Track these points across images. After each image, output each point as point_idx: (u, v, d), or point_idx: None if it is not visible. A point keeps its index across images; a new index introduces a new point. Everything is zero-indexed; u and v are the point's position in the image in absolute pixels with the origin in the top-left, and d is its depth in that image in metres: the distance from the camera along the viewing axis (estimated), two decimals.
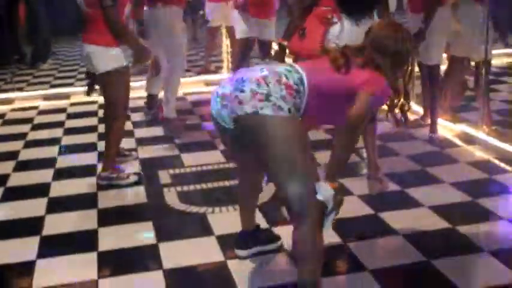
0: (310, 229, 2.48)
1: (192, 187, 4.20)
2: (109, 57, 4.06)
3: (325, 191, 2.50)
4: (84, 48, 4.16)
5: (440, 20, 4.68)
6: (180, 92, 6.86)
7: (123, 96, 4.23)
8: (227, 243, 3.29)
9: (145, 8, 5.45)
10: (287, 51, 3.63)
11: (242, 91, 2.49)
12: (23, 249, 3.40)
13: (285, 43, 3.57)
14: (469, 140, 4.85)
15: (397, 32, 2.79)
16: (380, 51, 2.72)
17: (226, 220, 3.61)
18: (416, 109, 5.32)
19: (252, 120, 2.48)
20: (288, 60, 3.68)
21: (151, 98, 5.97)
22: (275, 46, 3.66)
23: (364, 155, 3.85)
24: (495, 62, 6.48)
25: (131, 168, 4.57)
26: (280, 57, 3.62)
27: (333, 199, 2.51)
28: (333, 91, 2.65)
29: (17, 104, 6.90)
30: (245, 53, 6.19)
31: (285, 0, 6.83)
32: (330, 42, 3.37)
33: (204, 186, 4.21)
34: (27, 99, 7.07)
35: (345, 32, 3.38)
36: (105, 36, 4.02)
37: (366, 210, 3.69)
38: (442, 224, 3.46)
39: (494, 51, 5.70)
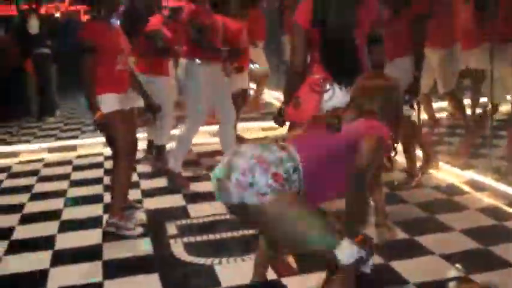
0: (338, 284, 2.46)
1: (198, 238, 4.13)
2: (103, 102, 4.14)
3: (346, 252, 2.46)
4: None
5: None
6: None
7: (122, 137, 4.23)
8: None
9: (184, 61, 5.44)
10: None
11: (228, 179, 2.48)
12: None
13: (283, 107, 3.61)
14: (477, 186, 4.79)
15: (380, 76, 2.97)
16: (368, 96, 2.79)
17: (234, 271, 3.54)
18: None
19: (240, 209, 2.51)
20: None
21: (159, 149, 5.95)
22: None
23: (372, 202, 3.80)
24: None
25: (138, 219, 4.51)
26: (279, 123, 3.66)
27: (362, 251, 2.47)
28: (335, 156, 2.63)
29: (23, 157, 6.89)
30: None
31: None
32: (324, 110, 3.38)
33: (210, 237, 4.14)
34: (33, 151, 7.06)
35: (336, 98, 3.41)
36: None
37: (376, 259, 3.60)
38: (454, 272, 3.38)
39: None
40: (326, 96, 3.46)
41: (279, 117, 3.63)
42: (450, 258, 3.54)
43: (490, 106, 5.50)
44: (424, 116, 6.20)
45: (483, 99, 6.25)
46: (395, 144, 2.84)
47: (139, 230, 4.27)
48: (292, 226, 2.44)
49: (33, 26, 9.27)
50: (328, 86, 3.46)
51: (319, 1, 3.49)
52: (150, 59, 5.72)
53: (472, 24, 5.76)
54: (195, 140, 6.97)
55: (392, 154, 2.85)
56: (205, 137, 7.24)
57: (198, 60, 5.20)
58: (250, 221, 2.64)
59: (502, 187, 4.59)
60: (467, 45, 5.72)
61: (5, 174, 6.19)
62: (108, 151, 6.49)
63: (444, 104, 7.12)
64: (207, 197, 4.97)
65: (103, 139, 7.03)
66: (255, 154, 2.53)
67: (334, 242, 2.45)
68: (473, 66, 5.90)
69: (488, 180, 4.77)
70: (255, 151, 2.55)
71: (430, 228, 4.05)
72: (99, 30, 4.18)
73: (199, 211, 4.67)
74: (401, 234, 3.92)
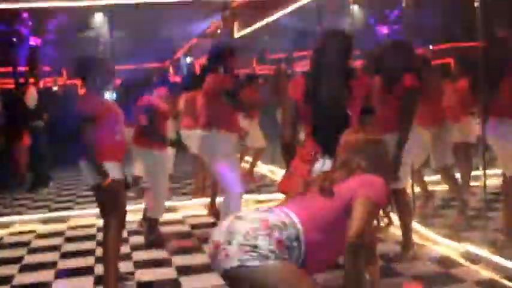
0: None
1: None
2: (88, 172, 4.18)
3: None
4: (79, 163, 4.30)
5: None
6: (180, 215, 6.89)
7: (119, 206, 4.25)
8: None
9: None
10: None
11: (230, 243, 2.42)
12: None
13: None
14: (473, 259, 4.73)
15: (362, 131, 3.00)
16: (352, 151, 2.80)
17: None
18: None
19: (239, 274, 2.41)
20: None
21: (152, 222, 5.89)
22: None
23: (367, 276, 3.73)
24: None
25: None
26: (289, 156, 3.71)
27: None
28: (333, 220, 2.59)
29: (14, 228, 6.79)
30: None
31: None
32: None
33: None
34: (25, 222, 6.97)
35: (327, 167, 3.40)
36: (83, 154, 4.21)
37: None
38: None
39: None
40: (316, 166, 3.48)
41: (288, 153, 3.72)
42: None
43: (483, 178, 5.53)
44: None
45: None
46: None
47: None
48: None
49: (31, 99, 9.36)
50: (318, 157, 3.50)
51: (311, 78, 3.57)
52: (146, 132, 5.72)
53: (455, 99, 5.93)
54: (187, 212, 7.01)
55: (388, 209, 2.83)
56: (199, 210, 7.22)
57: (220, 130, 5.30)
58: None
59: (498, 259, 4.53)
60: (452, 119, 5.90)
61: None
62: (100, 223, 6.49)
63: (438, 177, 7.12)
64: (199, 269, 4.91)
65: (96, 210, 7.05)
66: (259, 217, 2.49)
67: None
68: (458, 139, 6.02)
69: (484, 252, 4.71)
70: (258, 215, 2.53)
71: None
72: (96, 102, 4.27)
73: (192, 283, 4.58)
74: None
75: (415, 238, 5.07)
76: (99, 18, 11.87)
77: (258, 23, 9.91)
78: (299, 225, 2.50)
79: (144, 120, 5.62)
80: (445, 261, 4.78)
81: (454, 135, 5.97)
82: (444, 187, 6.57)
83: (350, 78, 3.58)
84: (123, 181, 4.38)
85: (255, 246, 2.37)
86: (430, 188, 6.50)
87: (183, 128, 7.65)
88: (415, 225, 5.50)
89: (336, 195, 2.61)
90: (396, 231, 5.00)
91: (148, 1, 8.32)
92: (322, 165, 3.45)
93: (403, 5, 6.38)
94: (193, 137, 7.14)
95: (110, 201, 4.23)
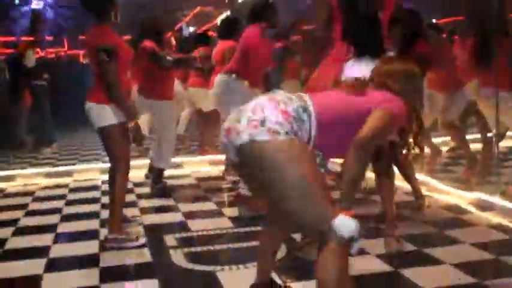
0: (331, 256, 2.28)
1: (199, 249, 3.99)
2: (103, 113, 4.03)
3: (346, 225, 2.31)
4: (85, 104, 4.14)
5: None
6: (187, 171, 6.85)
7: (122, 150, 4.13)
8: None
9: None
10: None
11: (239, 121, 2.40)
12: None
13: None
14: (484, 206, 4.69)
15: (404, 61, 2.95)
16: (390, 77, 2.75)
17: (237, 277, 3.39)
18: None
19: (250, 149, 2.35)
20: None
21: (159, 172, 5.84)
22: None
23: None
24: None
25: (134, 232, 4.35)
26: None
27: (358, 228, 2.33)
28: (346, 113, 2.54)
29: (18, 181, 6.74)
30: None
31: None
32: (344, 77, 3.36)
33: (211, 248, 4.01)
34: (29, 176, 6.91)
35: (357, 69, 3.35)
36: (97, 93, 4.05)
37: (385, 268, 3.48)
38: (468, 279, 3.25)
39: None
40: (347, 66, 3.41)
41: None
42: (461, 267, 3.41)
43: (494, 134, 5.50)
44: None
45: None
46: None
47: (141, 241, 4.12)
48: (296, 174, 2.27)
49: (30, 59, 9.30)
50: (349, 57, 3.42)
51: None
52: (152, 80, 5.63)
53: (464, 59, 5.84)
54: (194, 168, 6.97)
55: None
56: (204, 166, 7.18)
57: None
58: (252, 170, 2.43)
59: (509, 205, 4.49)
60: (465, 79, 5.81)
61: None
62: (104, 177, 6.45)
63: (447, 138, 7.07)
64: (207, 215, 4.89)
65: (100, 165, 7.03)
66: (264, 96, 2.49)
67: (332, 210, 2.31)
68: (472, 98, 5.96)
69: (495, 199, 4.67)
70: (265, 95, 2.51)
71: (438, 241, 3.93)
72: (111, 35, 4.09)
73: (200, 226, 4.55)
74: (409, 247, 3.80)
75: (425, 190, 5.02)
76: None
77: None
78: (309, 101, 2.47)
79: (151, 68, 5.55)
80: (456, 209, 4.74)
81: (468, 96, 5.89)
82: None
83: None
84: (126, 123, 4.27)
85: (263, 120, 2.34)
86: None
87: (192, 86, 7.57)
88: (425, 178, 5.47)
89: (356, 98, 2.57)
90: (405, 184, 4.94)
91: None
92: (352, 66, 3.38)
93: None
94: (203, 95, 7.12)
95: (121, 143, 4.14)
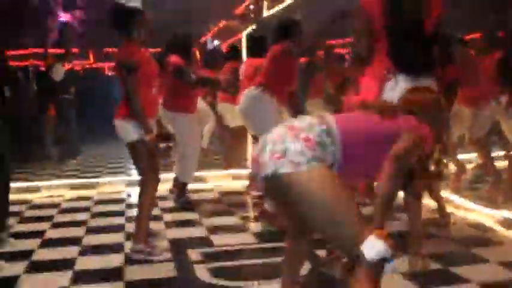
0: (362, 277, 2.29)
1: (223, 264, 4.00)
2: (128, 129, 4.12)
3: (376, 247, 2.31)
4: (113, 121, 4.24)
5: None
6: (211, 185, 6.87)
7: (149, 163, 4.18)
8: None
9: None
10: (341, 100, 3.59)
11: (263, 152, 2.43)
12: None
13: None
14: (510, 224, 4.65)
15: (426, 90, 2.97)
16: (417, 106, 2.79)
17: None
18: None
19: (274, 182, 2.39)
20: None
21: (183, 186, 5.88)
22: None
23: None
24: None
25: (160, 246, 4.38)
26: (334, 103, 3.60)
27: (388, 249, 2.33)
28: (374, 135, 2.55)
29: (44, 193, 6.82)
30: None
31: None
32: (384, 98, 3.32)
33: (235, 263, 4.02)
34: (54, 188, 6.99)
35: (399, 88, 3.31)
36: (124, 109, 4.14)
37: (411, 287, 3.46)
38: None
39: None
40: (388, 85, 3.37)
41: (333, 100, 3.57)
42: (488, 286, 3.39)
43: None
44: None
45: None
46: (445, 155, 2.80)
47: (165, 255, 4.16)
48: (323, 203, 2.30)
49: (58, 73, 9.44)
50: (391, 76, 3.37)
51: None
52: (176, 94, 5.69)
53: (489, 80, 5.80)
54: (217, 182, 7.00)
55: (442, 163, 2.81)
56: (228, 180, 7.20)
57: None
58: (282, 199, 2.50)
59: None
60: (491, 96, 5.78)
61: (25, 206, 6.12)
62: (129, 189, 6.51)
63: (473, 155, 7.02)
64: (230, 229, 4.90)
65: (125, 178, 7.09)
66: (286, 125, 2.50)
67: (363, 233, 2.32)
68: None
69: None
70: (288, 122, 2.53)
71: (464, 260, 3.90)
72: (137, 52, 4.18)
73: (223, 241, 4.56)
74: (435, 265, 3.77)
75: (450, 208, 4.99)
76: None
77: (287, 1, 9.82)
78: (333, 123, 2.47)
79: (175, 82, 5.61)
80: (481, 227, 4.70)
81: (495, 112, 5.85)
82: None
83: None
84: (159, 136, 4.34)
85: (285, 151, 2.36)
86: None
87: (220, 101, 7.60)
88: (450, 195, 5.44)
89: (384, 122, 2.58)
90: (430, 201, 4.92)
91: None
92: (394, 85, 3.35)
93: None
94: (230, 111, 7.15)
95: (148, 157, 4.18)
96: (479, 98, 5.62)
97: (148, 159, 4.18)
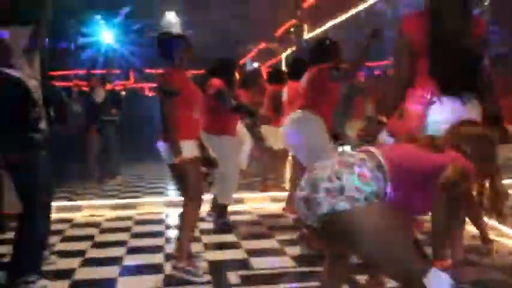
0: None
1: (262, 287, 4.01)
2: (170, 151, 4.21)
3: (440, 279, 2.32)
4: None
5: None
6: (249, 207, 6.91)
7: (192, 183, 4.26)
8: None
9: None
10: (383, 128, 3.53)
11: (317, 192, 2.43)
12: None
13: (383, 119, 3.46)
14: None
15: (477, 124, 2.98)
16: (463, 140, 2.76)
17: None
18: None
19: (332, 219, 2.40)
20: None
21: (221, 208, 5.93)
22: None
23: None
24: None
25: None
26: (374, 133, 3.53)
27: (449, 283, 2.33)
28: (421, 167, 2.55)
29: (85, 212, 6.94)
30: None
31: None
32: (428, 123, 3.30)
33: (274, 287, 4.02)
34: (95, 207, 7.10)
35: (444, 111, 3.29)
36: (163, 133, 4.26)
37: None
38: None
39: None
40: (432, 109, 3.33)
41: (375, 127, 3.50)
42: None
43: None
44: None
45: None
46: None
47: (207, 277, 4.20)
48: (385, 239, 2.33)
49: (99, 94, 9.68)
50: (434, 99, 3.33)
51: (437, 12, 3.39)
52: (217, 117, 5.76)
53: None
54: (255, 204, 7.03)
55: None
56: (267, 202, 7.22)
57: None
58: (337, 238, 2.50)
59: None
60: None
61: (68, 225, 6.24)
62: (169, 210, 6.57)
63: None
64: (269, 252, 4.91)
65: (164, 198, 7.17)
66: (335, 161, 2.49)
67: (425, 267, 2.32)
68: None
69: None
70: (334, 159, 2.51)
71: None
72: (179, 76, 4.32)
73: (262, 264, 4.57)
74: None
75: (493, 235, 4.91)
76: (170, 18, 12.06)
77: (328, 23, 9.91)
78: (381, 158, 2.48)
79: (216, 105, 5.68)
80: None
81: None
82: None
83: (470, 14, 3.44)
84: (201, 159, 4.41)
85: (342, 188, 2.36)
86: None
87: (263, 124, 7.64)
88: (493, 222, 5.34)
89: (431, 155, 2.58)
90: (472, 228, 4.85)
91: None
92: (439, 109, 3.30)
93: None
94: (273, 133, 7.19)
95: (187, 178, 4.25)
96: None
97: (189, 181, 4.25)
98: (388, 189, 2.44)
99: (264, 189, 7.79)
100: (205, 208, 6.19)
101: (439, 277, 2.28)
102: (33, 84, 4.19)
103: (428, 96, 3.33)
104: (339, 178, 2.38)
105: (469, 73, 3.39)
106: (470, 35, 3.38)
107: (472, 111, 3.33)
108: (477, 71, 3.42)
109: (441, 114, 3.29)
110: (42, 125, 4.16)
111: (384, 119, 3.42)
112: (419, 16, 3.44)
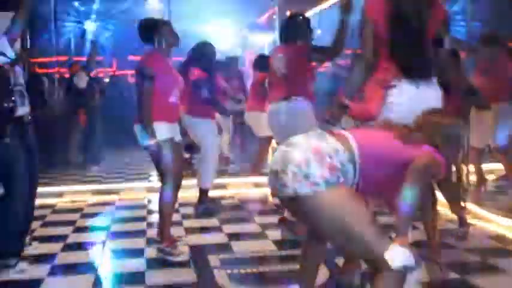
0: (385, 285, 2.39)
1: (242, 270, 4.05)
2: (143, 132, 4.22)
3: (400, 255, 2.38)
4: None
5: None
6: (231, 192, 6.95)
7: (167, 164, 4.27)
8: None
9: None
10: (346, 112, 3.55)
11: (285, 173, 2.49)
12: None
13: (347, 103, 3.47)
14: None
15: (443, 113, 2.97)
16: (429, 131, 2.79)
17: None
18: None
19: (295, 200, 2.49)
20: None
21: (201, 192, 5.96)
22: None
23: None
24: None
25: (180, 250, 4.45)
26: (338, 116, 3.56)
27: (412, 257, 2.40)
28: (392, 160, 2.60)
29: (67, 198, 6.93)
30: None
31: None
32: (389, 106, 3.33)
33: (254, 270, 4.06)
34: (77, 193, 7.10)
35: (405, 94, 3.32)
36: (139, 115, 4.26)
37: None
38: None
39: None
40: (392, 92, 3.35)
41: (338, 110, 3.51)
42: None
43: None
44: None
45: None
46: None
47: (185, 257, 4.26)
48: (343, 221, 2.41)
49: (81, 80, 9.64)
50: (395, 82, 3.35)
51: None
52: (196, 101, 5.80)
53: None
54: (237, 190, 7.06)
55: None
56: (248, 188, 7.26)
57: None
58: (301, 215, 2.61)
59: None
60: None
61: (49, 210, 6.24)
62: (151, 196, 6.59)
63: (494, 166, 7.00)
64: (251, 236, 4.96)
65: (146, 184, 7.19)
66: (311, 145, 2.52)
67: (385, 244, 2.39)
68: None
69: None
70: (311, 141, 2.55)
71: (482, 270, 3.92)
72: (158, 61, 4.33)
73: (243, 247, 4.62)
74: (452, 275, 3.78)
75: (470, 218, 4.99)
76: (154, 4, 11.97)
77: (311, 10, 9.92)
78: (355, 149, 2.53)
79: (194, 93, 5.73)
80: (501, 238, 4.70)
81: None
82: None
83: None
84: (179, 144, 4.43)
85: (307, 175, 2.43)
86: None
87: (248, 110, 7.65)
88: (470, 206, 5.43)
89: (405, 145, 2.63)
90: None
91: None
92: (399, 92, 3.33)
93: None
94: (257, 120, 7.19)
95: (162, 159, 4.26)
96: (504, 92, 5.64)
97: (164, 163, 4.27)
98: (358, 178, 2.52)
99: (252, 174, 7.78)
100: (187, 194, 6.24)
101: (400, 253, 2.36)
102: (17, 70, 4.18)
103: (388, 80, 3.36)
104: (308, 166, 2.44)
105: (428, 57, 3.42)
106: (430, 17, 3.39)
107: (432, 94, 3.36)
108: (437, 53, 3.46)
109: (401, 97, 3.32)
110: (21, 111, 4.13)
111: (347, 102, 3.44)
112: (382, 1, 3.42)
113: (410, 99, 3.27)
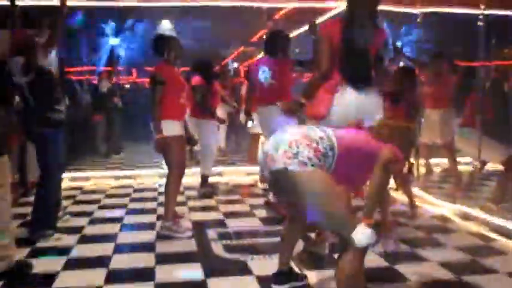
0: (350, 258, 2.44)
1: (235, 242, 4.09)
2: (164, 126, 4.19)
3: (365, 234, 2.42)
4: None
5: None
6: (227, 179, 6.96)
7: (176, 156, 4.27)
8: (265, 281, 3.18)
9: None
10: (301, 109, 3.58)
11: (276, 151, 2.52)
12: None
13: (304, 102, 3.51)
14: (465, 216, 4.72)
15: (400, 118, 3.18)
16: (388, 134, 2.86)
17: (264, 265, 3.48)
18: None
19: (281, 175, 2.50)
20: None
21: (203, 177, 5.99)
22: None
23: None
24: None
25: (185, 226, 4.46)
26: (294, 111, 3.62)
27: (374, 235, 2.44)
28: (362, 153, 2.62)
29: (92, 181, 6.94)
30: None
31: None
32: (333, 108, 3.36)
33: (244, 242, 4.10)
34: (101, 177, 7.12)
35: (347, 98, 3.35)
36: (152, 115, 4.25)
37: (383, 264, 3.53)
38: (449, 275, 3.30)
39: None
40: (338, 95, 3.37)
41: (295, 106, 3.57)
42: (444, 265, 3.46)
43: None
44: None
45: None
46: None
47: (188, 233, 4.26)
48: (322, 199, 2.43)
49: (103, 86, 9.64)
50: (340, 88, 3.38)
51: (349, 23, 3.42)
52: (197, 104, 5.84)
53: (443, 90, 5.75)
54: (232, 177, 7.07)
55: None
56: (241, 176, 7.27)
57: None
58: (285, 189, 2.59)
59: (485, 216, 4.50)
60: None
61: (79, 191, 6.24)
62: (161, 181, 6.59)
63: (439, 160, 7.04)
64: (241, 215, 4.98)
65: (158, 171, 7.20)
66: (301, 132, 2.57)
67: (353, 223, 2.43)
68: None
69: (474, 211, 4.68)
70: (301, 130, 2.59)
71: (427, 244, 3.97)
72: (168, 70, 4.33)
73: (235, 223, 4.65)
74: (403, 247, 3.84)
75: (418, 202, 5.04)
76: (165, 24, 11.92)
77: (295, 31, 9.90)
78: (334, 141, 2.56)
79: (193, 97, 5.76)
80: (442, 218, 4.77)
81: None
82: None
83: (375, 26, 3.48)
84: (184, 137, 4.43)
85: (297, 153, 2.46)
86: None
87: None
88: (419, 192, 5.49)
89: (372, 142, 2.67)
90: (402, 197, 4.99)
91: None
92: (342, 95, 3.36)
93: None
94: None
95: (169, 152, 4.26)
96: (446, 99, 5.64)
97: (177, 154, 4.27)
98: (334, 166, 2.54)
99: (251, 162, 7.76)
100: (190, 180, 6.27)
101: (366, 233, 2.40)
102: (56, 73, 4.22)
103: (335, 86, 3.39)
104: (297, 146, 2.48)
105: (369, 70, 3.46)
106: (373, 41, 3.43)
107: (371, 101, 3.39)
108: (377, 69, 3.49)
109: (343, 100, 3.35)
110: (61, 107, 4.17)
111: (304, 102, 3.48)
112: (337, 23, 3.46)
113: (350, 103, 3.31)
